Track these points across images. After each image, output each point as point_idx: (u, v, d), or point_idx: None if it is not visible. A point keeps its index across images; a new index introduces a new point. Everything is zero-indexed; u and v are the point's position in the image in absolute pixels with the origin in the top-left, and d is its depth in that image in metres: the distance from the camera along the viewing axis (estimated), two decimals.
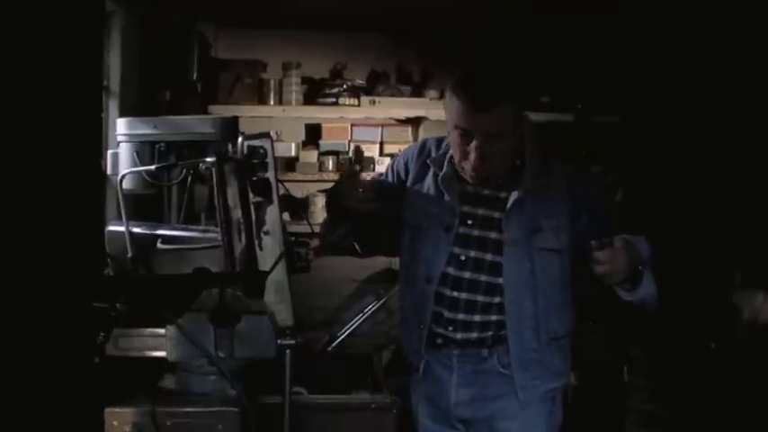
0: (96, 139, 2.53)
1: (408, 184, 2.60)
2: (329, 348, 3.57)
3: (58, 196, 1.80)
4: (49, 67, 1.76)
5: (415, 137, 4.62)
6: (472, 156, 2.38)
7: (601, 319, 3.73)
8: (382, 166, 4.42)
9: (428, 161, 2.57)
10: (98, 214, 2.81)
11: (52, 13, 1.79)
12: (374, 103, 4.52)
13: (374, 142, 4.78)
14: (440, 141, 2.61)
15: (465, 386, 2.51)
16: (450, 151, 2.49)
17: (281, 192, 2.22)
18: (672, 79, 3.94)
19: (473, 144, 2.37)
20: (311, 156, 4.63)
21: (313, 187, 4.52)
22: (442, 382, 2.54)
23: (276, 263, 2.16)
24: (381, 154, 4.73)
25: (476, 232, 2.49)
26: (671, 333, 3.70)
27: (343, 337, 3.66)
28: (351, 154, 4.63)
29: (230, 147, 2.18)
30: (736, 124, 3.67)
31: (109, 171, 2.28)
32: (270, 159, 2.16)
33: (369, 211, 2.40)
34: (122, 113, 3.32)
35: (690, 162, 3.83)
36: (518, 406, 2.48)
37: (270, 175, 2.16)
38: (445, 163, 2.52)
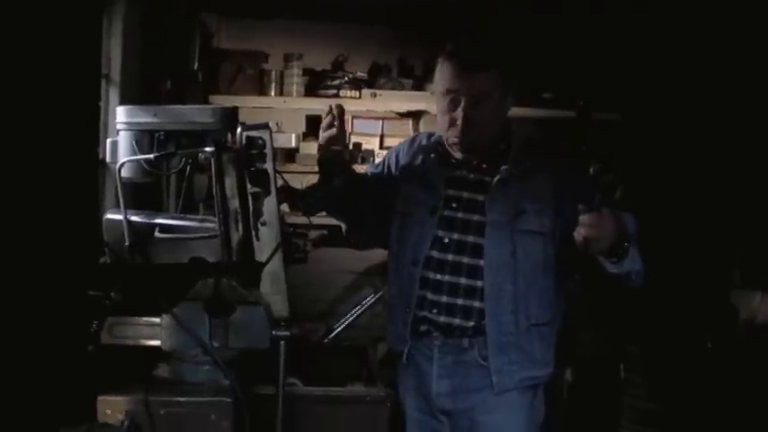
0: (93, 128, 2.53)
1: (399, 174, 2.67)
2: (325, 340, 3.56)
3: (54, 184, 1.80)
4: (46, 56, 1.75)
5: (416, 130, 4.59)
6: (459, 121, 2.45)
7: (597, 315, 3.73)
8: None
9: (417, 148, 2.65)
10: (94, 202, 2.81)
11: (49, 2, 1.79)
12: (375, 95, 4.49)
13: (374, 135, 4.76)
14: (430, 135, 2.68)
15: (445, 377, 2.51)
16: (438, 136, 2.57)
17: (280, 183, 2.23)
18: (673, 77, 3.93)
19: (460, 108, 2.44)
20: (311, 147, 4.60)
21: (313, 179, 4.48)
22: (424, 374, 2.55)
23: (273, 254, 2.16)
24: (381, 147, 4.70)
25: (460, 215, 2.53)
26: (668, 331, 3.70)
27: (339, 329, 3.65)
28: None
29: (229, 137, 2.18)
30: (737, 123, 3.67)
31: (108, 159, 2.28)
32: (268, 150, 2.16)
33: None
34: (123, 102, 3.30)
35: (690, 161, 3.83)
36: (496, 396, 2.47)
37: (268, 165, 2.17)
38: (433, 150, 2.60)
